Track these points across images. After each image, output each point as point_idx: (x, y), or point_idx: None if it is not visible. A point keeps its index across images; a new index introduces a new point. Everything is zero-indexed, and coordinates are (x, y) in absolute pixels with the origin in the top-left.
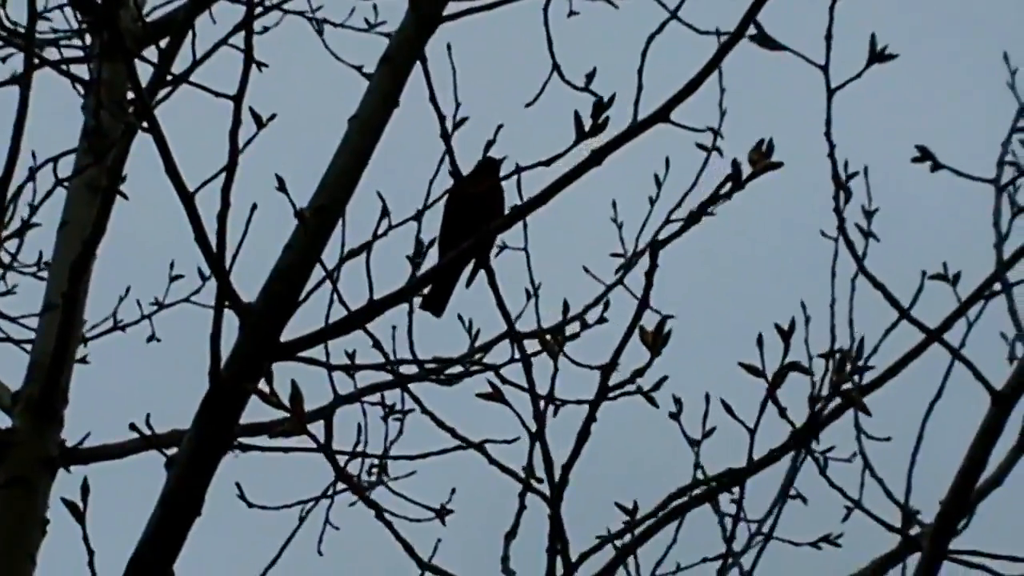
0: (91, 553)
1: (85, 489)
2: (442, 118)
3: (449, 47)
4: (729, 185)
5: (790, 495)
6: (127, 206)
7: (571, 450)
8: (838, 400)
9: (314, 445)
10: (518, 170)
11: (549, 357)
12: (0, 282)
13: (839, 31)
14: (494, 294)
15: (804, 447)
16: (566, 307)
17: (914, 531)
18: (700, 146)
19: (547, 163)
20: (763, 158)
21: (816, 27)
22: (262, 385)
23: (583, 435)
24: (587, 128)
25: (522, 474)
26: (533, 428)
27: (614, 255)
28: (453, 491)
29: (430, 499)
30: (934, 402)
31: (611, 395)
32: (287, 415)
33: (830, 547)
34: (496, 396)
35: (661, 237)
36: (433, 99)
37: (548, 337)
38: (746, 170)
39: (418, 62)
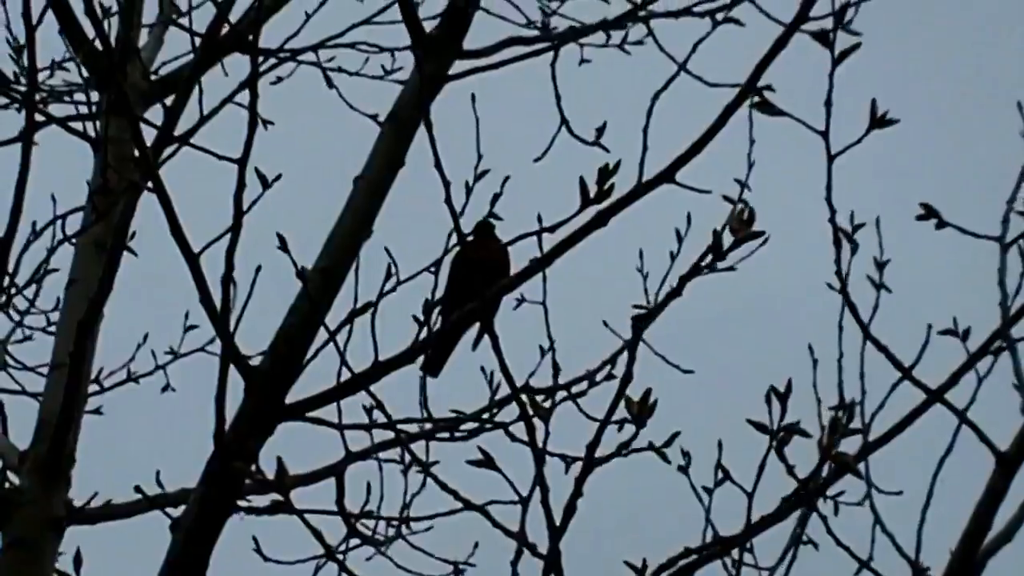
0: None
1: (78, 560)
2: (447, 184)
3: (473, 97)
4: (710, 257)
5: (802, 541)
6: (142, 253)
7: (559, 521)
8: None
9: (327, 507)
10: (522, 236)
11: (539, 420)
12: (18, 329)
13: (841, 90)
14: (497, 358)
15: (809, 506)
16: (556, 370)
17: None
18: (727, 199)
19: (551, 229)
20: (744, 227)
21: (816, 90)
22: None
23: (569, 509)
24: (592, 194)
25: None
26: (535, 486)
27: (636, 306)
28: (476, 545)
29: (450, 553)
30: (943, 459)
31: (599, 463)
32: (302, 472)
33: None
34: (487, 463)
35: (639, 314)
36: (438, 165)
37: (540, 399)
38: (728, 239)
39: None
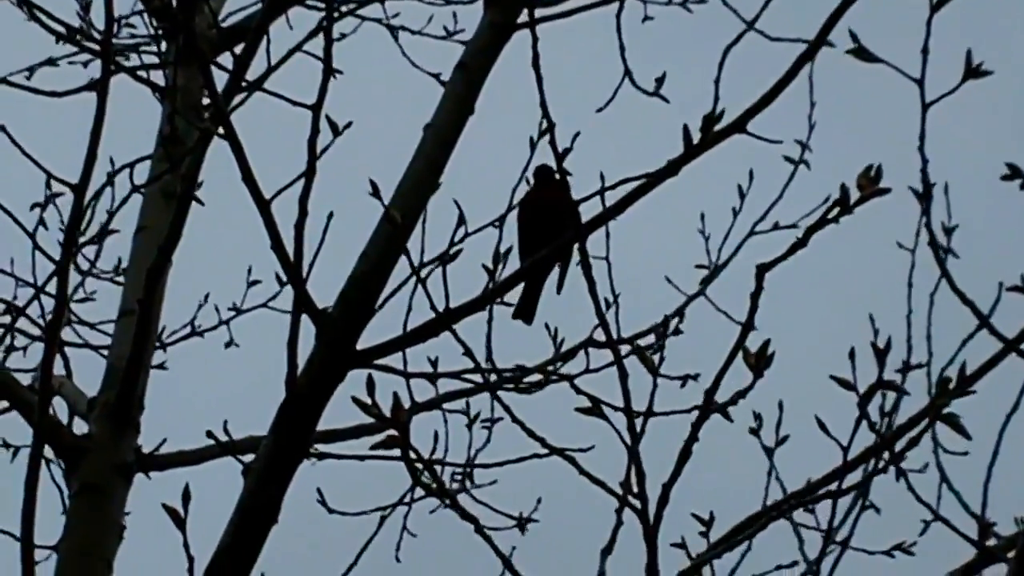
0: (191, 560)
1: (187, 496)
2: (551, 125)
3: (536, 57)
4: (837, 210)
5: (866, 505)
6: (203, 211)
7: (672, 470)
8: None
9: (391, 452)
10: (622, 182)
11: (647, 370)
12: (80, 289)
13: (935, 45)
14: (593, 300)
15: (886, 459)
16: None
17: (991, 543)
18: (787, 159)
19: (639, 179)
20: (871, 184)
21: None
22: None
23: (684, 454)
24: (695, 141)
25: (616, 488)
26: (634, 437)
27: (699, 266)
28: (539, 500)
29: (513, 508)
30: (1011, 414)
31: (711, 412)
32: (368, 422)
33: (903, 556)
34: (596, 411)
35: (760, 260)
36: (543, 103)
37: (643, 349)
38: (854, 195)
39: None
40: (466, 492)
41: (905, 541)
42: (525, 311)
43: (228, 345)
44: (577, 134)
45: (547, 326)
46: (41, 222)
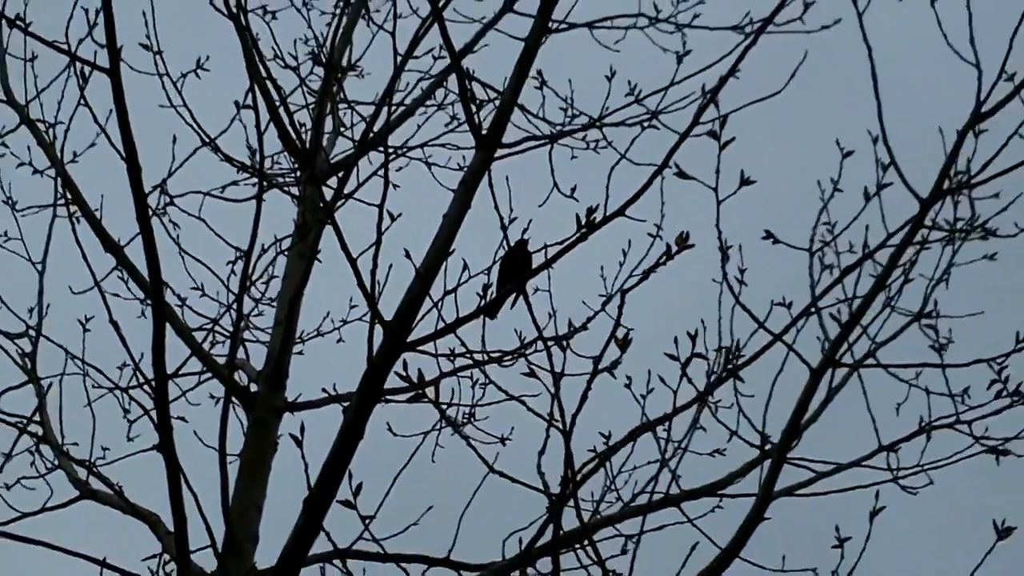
0: (307, 465)
1: (302, 429)
2: (504, 223)
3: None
4: (664, 258)
5: (699, 426)
6: (321, 266)
7: (577, 405)
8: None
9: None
10: (543, 247)
11: (560, 351)
12: (255, 308)
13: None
14: (529, 314)
15: (704, 402)
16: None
17: (767, 448)
18: (651, 234)
19: (558, 247)
20: (683, 243)
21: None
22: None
23: (584, 396)
24: (584, 222)
25: (546, 416)
26: (557, 386)
27: (600, 295)
28: (512, 429)
29: (496, 431)
30: (778, 374)
31: (597, 374)
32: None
33: (720, 456)
34: (533, 375)
35: (626, 287)
36: (498, 209)
37: (563, 341)
38: (675, 247)
39: (485, 185)
40: (471, 423)
41: (721, 447)
42: (492, 312)
43: (338, 341)
44: (531, 221)
45: (515, 330)
46: (232, 272)
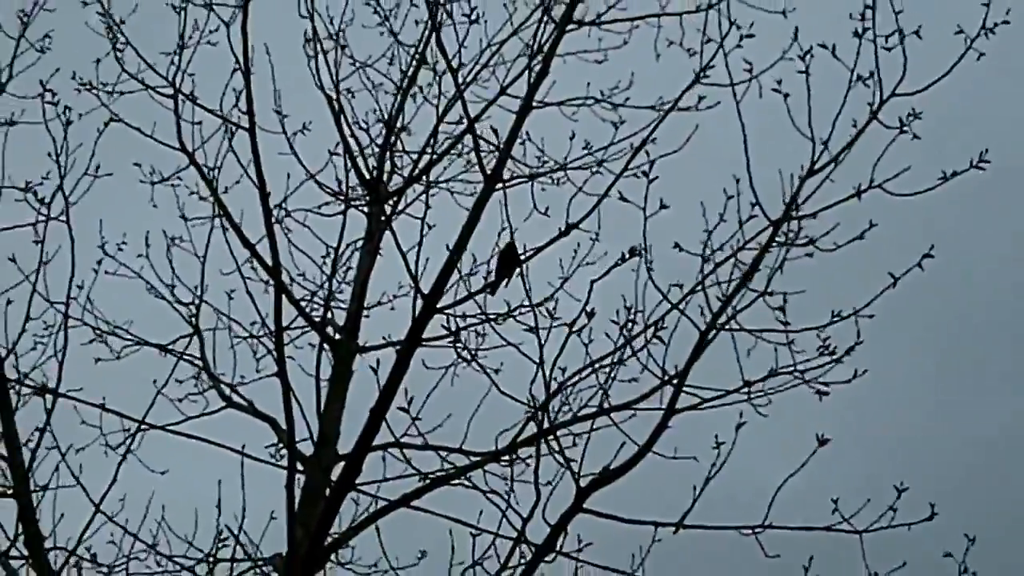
0: (379, 383)
1: (377, 364)
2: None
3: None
4: (621, 261)
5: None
6: (383, 260)
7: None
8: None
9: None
10: (530, 250)
11: (546, 316)
12: (339, 287)
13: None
14: (525, 291)
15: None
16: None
17: (673, 379)
18: (591, 239)
19: (537, 251)
20: (633, 252)
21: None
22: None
23: (560, 350)
24: (560, 231)
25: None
26: None
27: (559, 278)
28: (501, 363)
29: (495, 362)
30: (693, 360)
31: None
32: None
33: (635, 383)
34: (532, 330)
35: (593, 279)
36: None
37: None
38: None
39: (489, 207)
40: (476, 361)
41: (636, 377)
42: (492, 290)
43: (391, 308)
44: (517, 230)
45: (507, 302)
46: (325, 261)
